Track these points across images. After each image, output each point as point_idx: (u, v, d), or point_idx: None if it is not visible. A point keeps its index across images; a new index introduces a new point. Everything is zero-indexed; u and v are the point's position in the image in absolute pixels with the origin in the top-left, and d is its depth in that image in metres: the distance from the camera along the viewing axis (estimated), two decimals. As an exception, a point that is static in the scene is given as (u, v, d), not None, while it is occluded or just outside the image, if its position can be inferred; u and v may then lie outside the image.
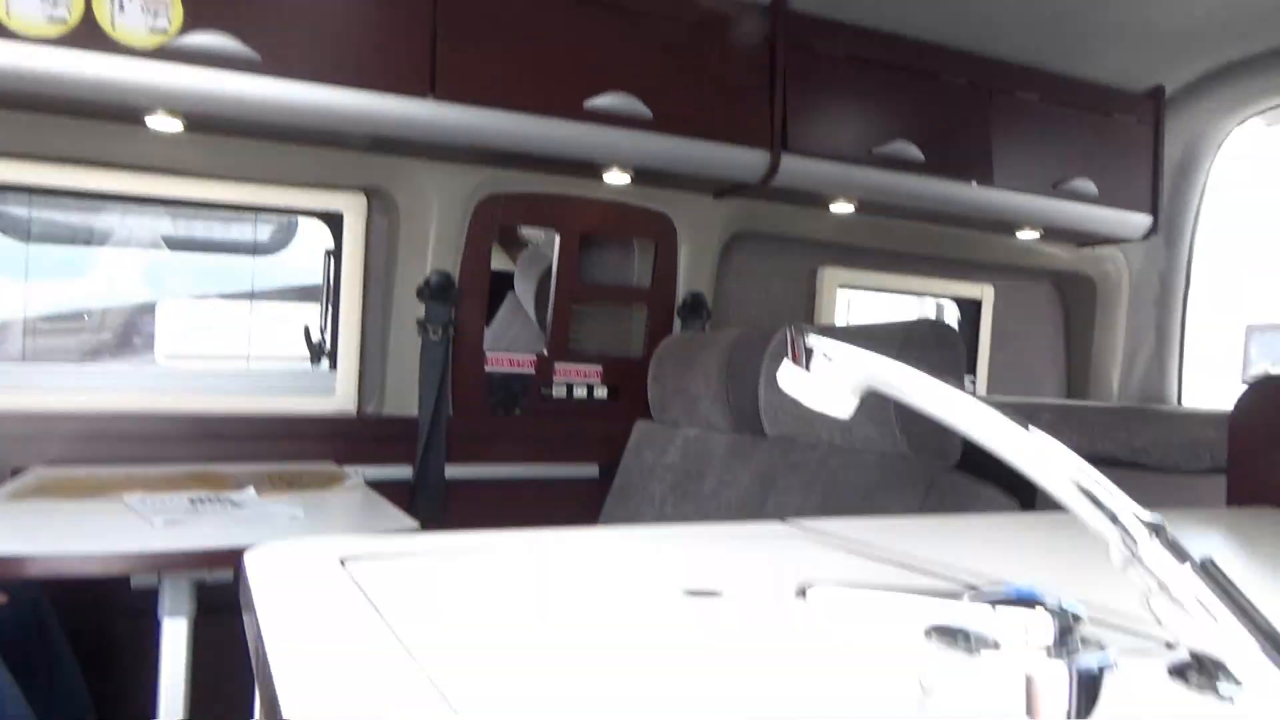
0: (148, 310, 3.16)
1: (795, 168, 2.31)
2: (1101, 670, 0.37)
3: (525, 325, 3.04)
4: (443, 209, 2.25)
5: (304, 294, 3.09)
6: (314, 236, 2.55)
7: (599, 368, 2.52)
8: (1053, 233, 2.83)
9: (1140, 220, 2.83)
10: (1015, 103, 2.61)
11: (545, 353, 2.47)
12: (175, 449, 2.09)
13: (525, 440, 2.42)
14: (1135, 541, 0.48)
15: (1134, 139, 2.80)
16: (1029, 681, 0.36)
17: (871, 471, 1.71)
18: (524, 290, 3.09)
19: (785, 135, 2.28)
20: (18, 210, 2.58)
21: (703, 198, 2.51)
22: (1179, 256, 3.07)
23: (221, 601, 1.34)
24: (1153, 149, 2.82)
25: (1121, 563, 0.49)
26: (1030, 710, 0.36)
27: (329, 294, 2.39)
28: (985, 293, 3.15)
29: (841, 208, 2.55)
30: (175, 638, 1.29)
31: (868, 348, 0.54)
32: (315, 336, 2.44)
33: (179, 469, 1.93)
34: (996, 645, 0.38)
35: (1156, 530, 0.48)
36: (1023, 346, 3.32)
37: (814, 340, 0.57)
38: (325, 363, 2.41)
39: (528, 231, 3.31)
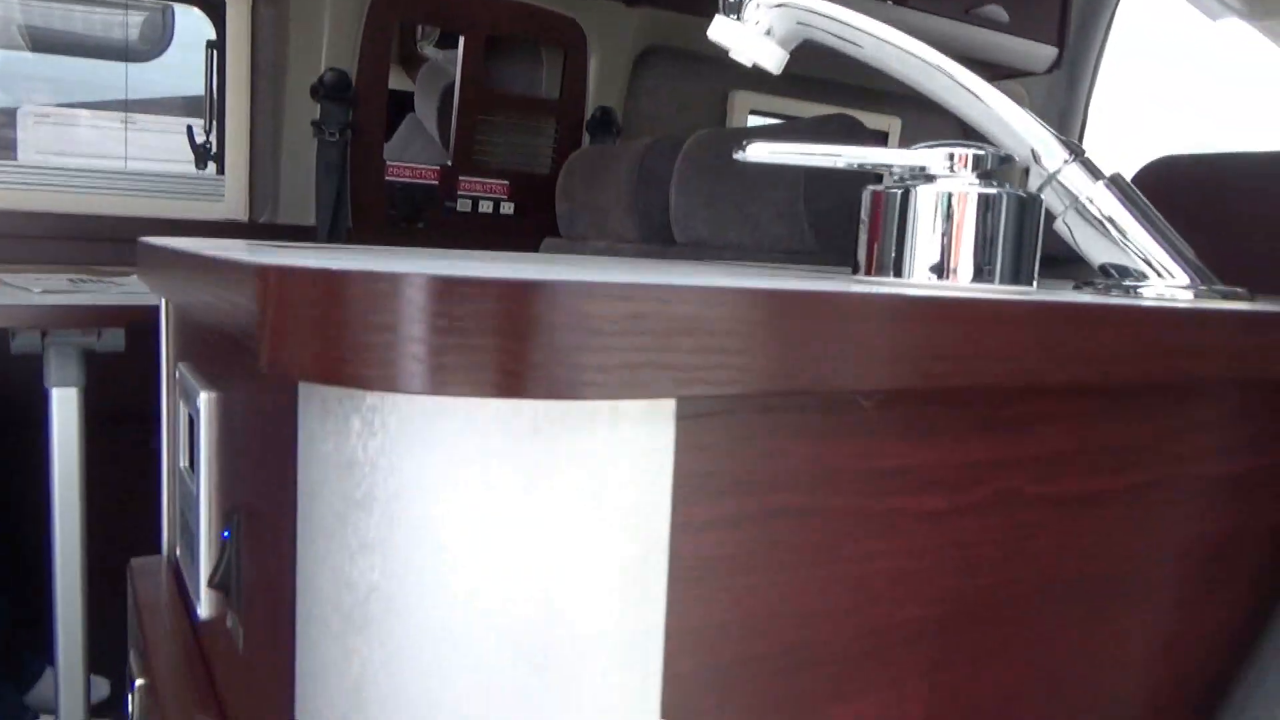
0: (7, 116, 2.89)
1: (711, -28, 2.23)
2: (1032, 199, 0.38)
3: (427, 144, 2.92)
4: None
5: (188, 108, 2.88)
6: (192, 40, 2.35)
7: (505, 183, 2.46)
8: (961, 62, 2.85)
9: (1047, 53, 2.86)
10: (934, -81, 2.56)
11: (449, 164, 2.39)
12: (48, 250, 1.96)
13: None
14: (1055, 162, 0.49)
15: (1046, -34, 2.80)
16: (959, 199, 0.37)
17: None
18: (424, 108, 2.95)
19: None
20: None
21: (614, 4, 2.40)
22: (1079, 93, 3.14)
23: (115, 412, 1.26)
24: (1063, -22, 2.83)
25: (1038, 186, 0.50)
26: (957, 224, 0.37)
27: (213, 93, 2.23)
28: (893, 125, 3.17)
29: (756, 23, 2.50)
30: (66, 408, 1.23)
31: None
32: (200, 138, 2.28)
33: (54, 268, 1.81)
34: (931, 178, 0.38)
35: (1076, 152, 0.49)
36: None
37: (749, -14, 0.55)
38: (212, 167, 2.27)
39: (427, 48, 3.13)
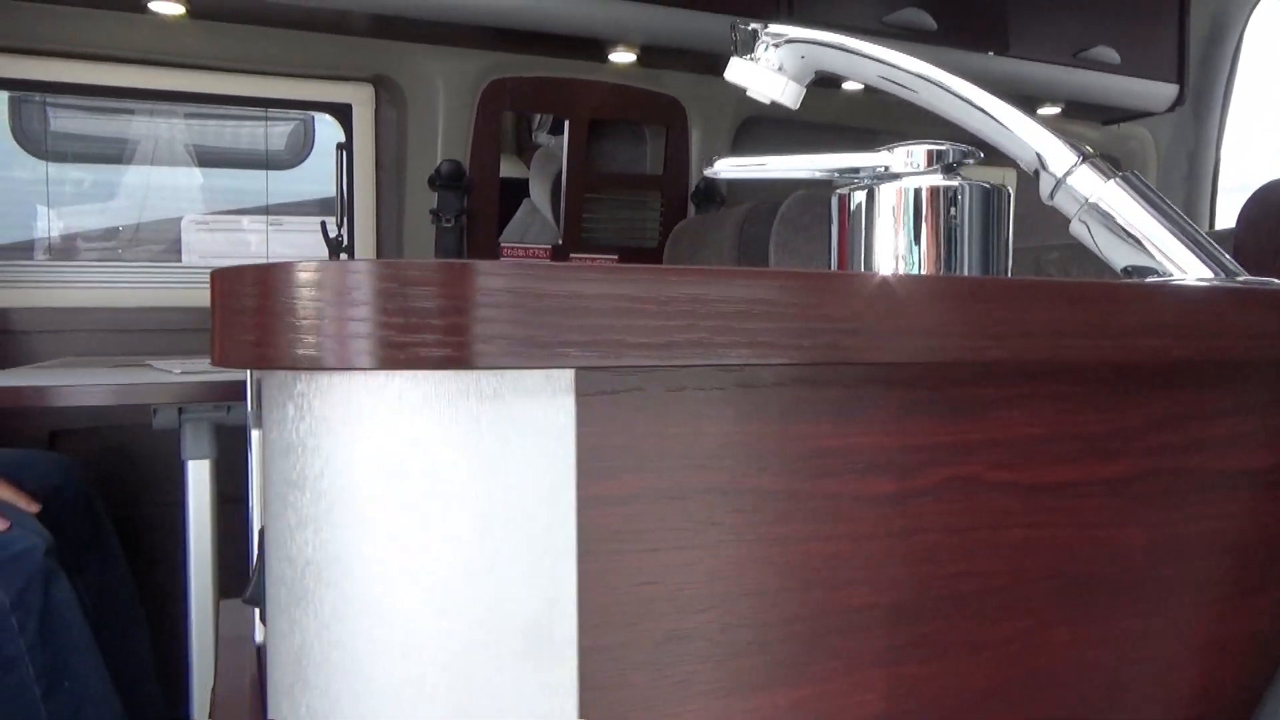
0: (172, 225, 3.22)
1: (803, 40, 2.28)
2: (996, 190, 0.38)
3: (544, 226, 3.05)
4: (449, 96, 2.26)
5: (323, 207, 3.14)
6: (330, 148, 2.58)
7: (614, 258, 2.54)
8: (1074, 108, 2.76)
9: (1166, 91, 2.75)
10: (1032, -34, 2.54)
11: (560, 243, 2.49)
12: (203, 341, 2.15)
13: (543, 329, 2.45)
14: (1064, 166, 0.48)
15: (1158, 3, 2.71)
16: (923, 193, 0.37)
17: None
18: (539, 193, 3.10)
19: (791, 2, 2.24)
20: (36, 125, 2.62)
21: (712, 79, 2.48)
22: (1209, 131, 2.98)
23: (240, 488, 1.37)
24: (1178, 14, 2.73)
25: (1049, 192, 0.49)
26: (920, 219, 0.37)
27: (343, 189, 2.42)
28: (1008, 178, 3.10)
29: (852, 85, 2.51)
30: (200, 479, 1.34)
31: None
32: (332, 232, 2.47)
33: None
34: (896, 176, 0.39)
35: (1085, 155, 0.48)
36: (1047, 237, 3.26)
37: (759, 25, 0.57)
38: (344, 257, 2.44)
39: (541, 136, 3.31)
